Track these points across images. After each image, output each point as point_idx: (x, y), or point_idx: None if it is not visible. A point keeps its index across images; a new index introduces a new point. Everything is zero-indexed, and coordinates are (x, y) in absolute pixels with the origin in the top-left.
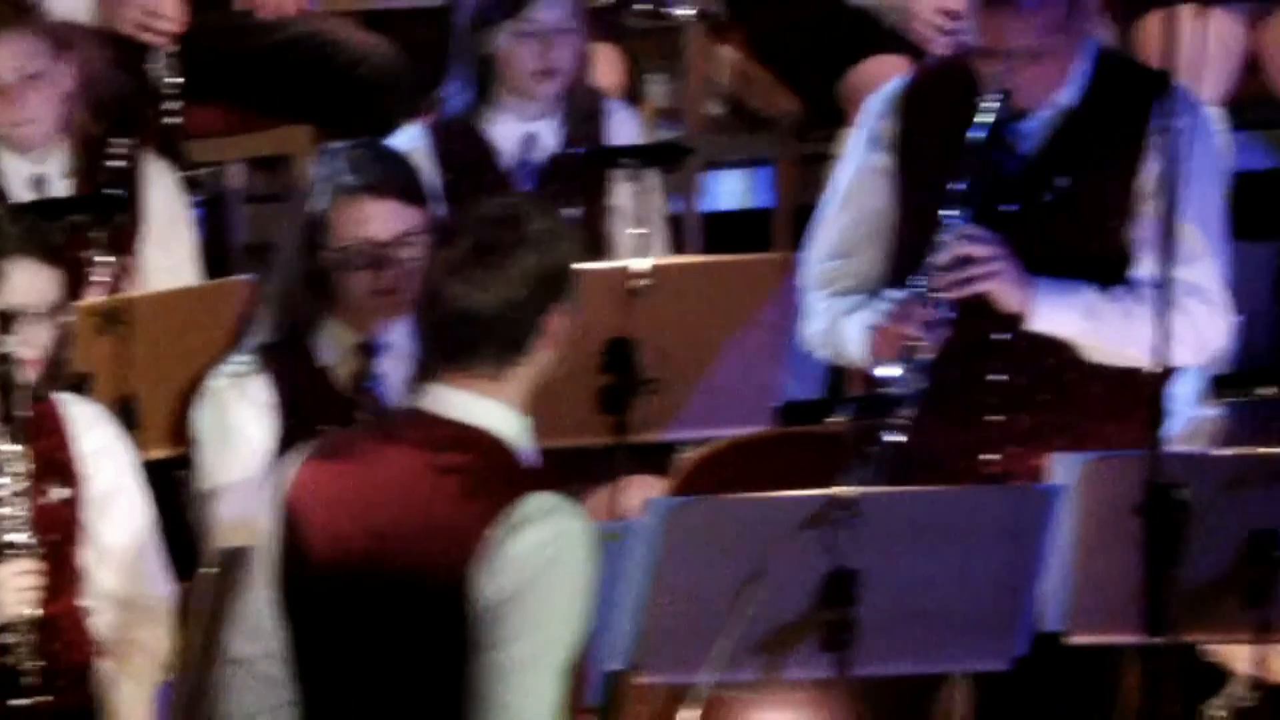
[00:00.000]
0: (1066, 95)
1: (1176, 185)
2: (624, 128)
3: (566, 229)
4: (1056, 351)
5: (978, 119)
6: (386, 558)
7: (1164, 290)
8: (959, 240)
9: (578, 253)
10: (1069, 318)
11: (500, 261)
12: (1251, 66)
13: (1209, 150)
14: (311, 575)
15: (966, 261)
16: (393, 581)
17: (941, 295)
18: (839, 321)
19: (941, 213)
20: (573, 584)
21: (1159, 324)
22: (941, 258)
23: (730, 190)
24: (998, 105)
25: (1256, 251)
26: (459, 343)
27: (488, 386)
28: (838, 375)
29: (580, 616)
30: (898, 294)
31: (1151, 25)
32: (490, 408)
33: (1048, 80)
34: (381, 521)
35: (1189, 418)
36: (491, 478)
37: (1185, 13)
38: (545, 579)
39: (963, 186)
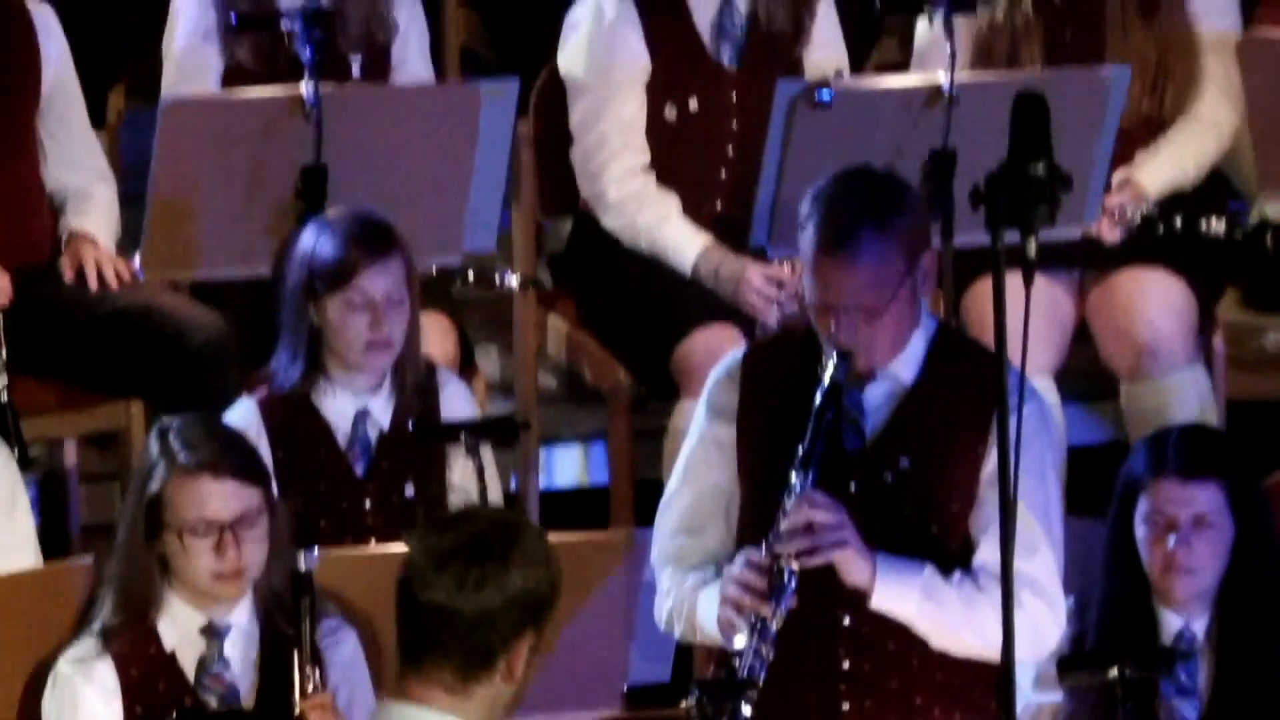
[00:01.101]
0: (906, 371)
1: (1015, 475)
2: (457, 401)
3: (558, 563)
4: (899, 636)
5: (821, 380)
6: None
7: (1006, 582)
8: (803, 506)
9: (559, 589)
10: (909, 596)
11: (493, 570)
12: (1080, 336)
13: (1048, 438)
14: None
15: (810, 529)
16: None
17: (787, 564)
18: (690, 597)
19: (791, 478)
20: None
21: (998, 616)
22: (786, 524)
23: (567, 465)
24: (839, 365)
25: (1087, 528)
26: (428, 641)
27: (448, 703)
28: (686, 656)
29: None
30: (743, 562)
31: (978, 294)
32: None
33: (886, 343)
34: None
35: (1027, 704)
36: None
37: (1012, 282)
38: None
39: (805, 451)
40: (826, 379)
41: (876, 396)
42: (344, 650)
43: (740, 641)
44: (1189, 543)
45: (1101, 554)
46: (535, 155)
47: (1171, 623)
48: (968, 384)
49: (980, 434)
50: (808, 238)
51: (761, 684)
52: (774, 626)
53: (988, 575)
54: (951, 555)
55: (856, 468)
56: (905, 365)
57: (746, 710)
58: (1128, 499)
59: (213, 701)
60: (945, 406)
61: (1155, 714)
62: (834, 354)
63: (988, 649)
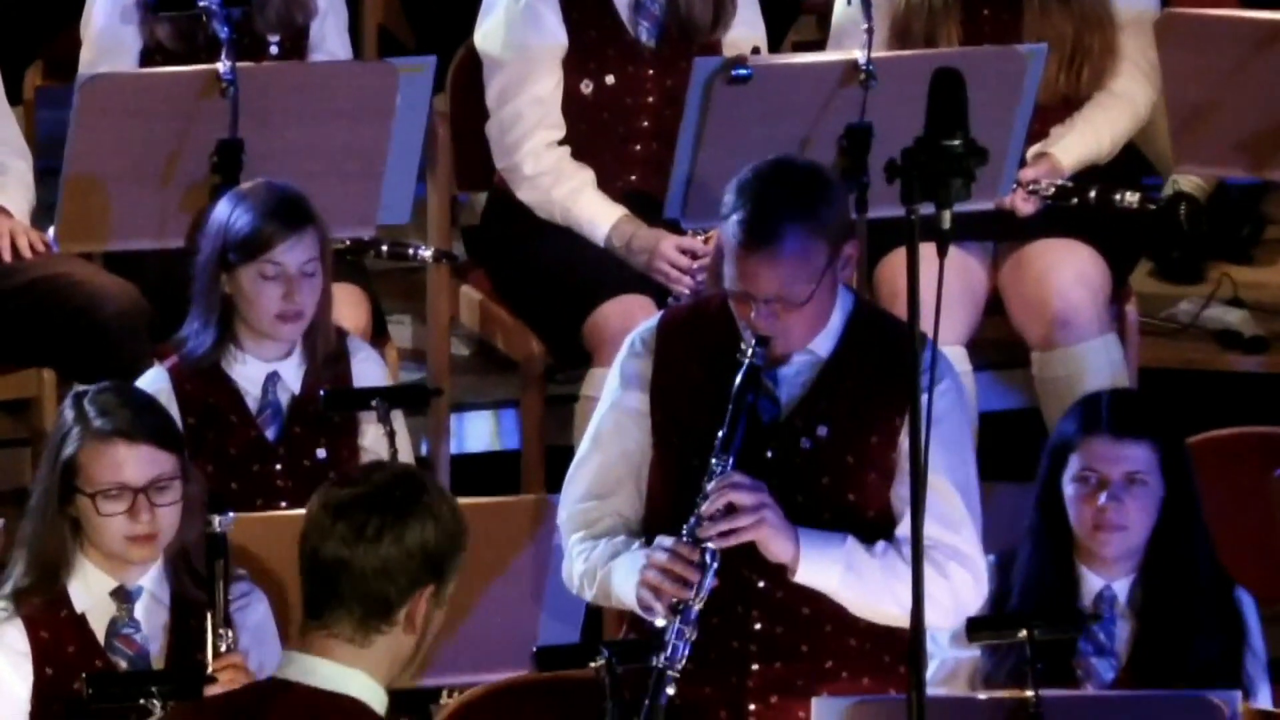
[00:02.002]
0: (823, 345)
1: (933, 447)
2: (368, 368)
3: (462, 518)
4: (812, 601)
5: (741, 365)
6: None
7: (919, 551)
8: (724, 489)
9: (461, 544)
10: (832, 569)
11: (390, 521)
12: (992, 307)
13: (964, 413)
14: None
15: (731, 510)
16: None
17: (708, 545)
18: (604, 567)
19: (711, 462)
20: None
21: (914, 584)
22: (707, 507)
23: (478, 432)
24: (757, 351)
25: (1000, 491)
26: (329, 593)
27: (351, 654)
28: (595, 618)
29: None
30: (665, 544)
31: (892, 265)
32: (354, 678)
33: (806, 329)
34: None
35: (944, 660)
36: None
37: (926, 252)
38: None
39: (725, 435)
40: (745, 365)
41: (793, 367)
42: (254, 613)
43: (661, 622)
44: (1120, 499)
45: (1029, 515)
46: (451, 130)
47: (1093, 583)
48: (884, 358)
49: (897, 407)
50: (730, 230)
51: (683, 664)
52: (695, 608)
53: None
54: (868, 524)
55: (773, 437)
56: (823, 339)
57: (670, 690)
58: (1057, 460)
59: (123, 664)
60: (862, 379)
61: (1072, 672)
62: (753, 340)
63: (908, 617)
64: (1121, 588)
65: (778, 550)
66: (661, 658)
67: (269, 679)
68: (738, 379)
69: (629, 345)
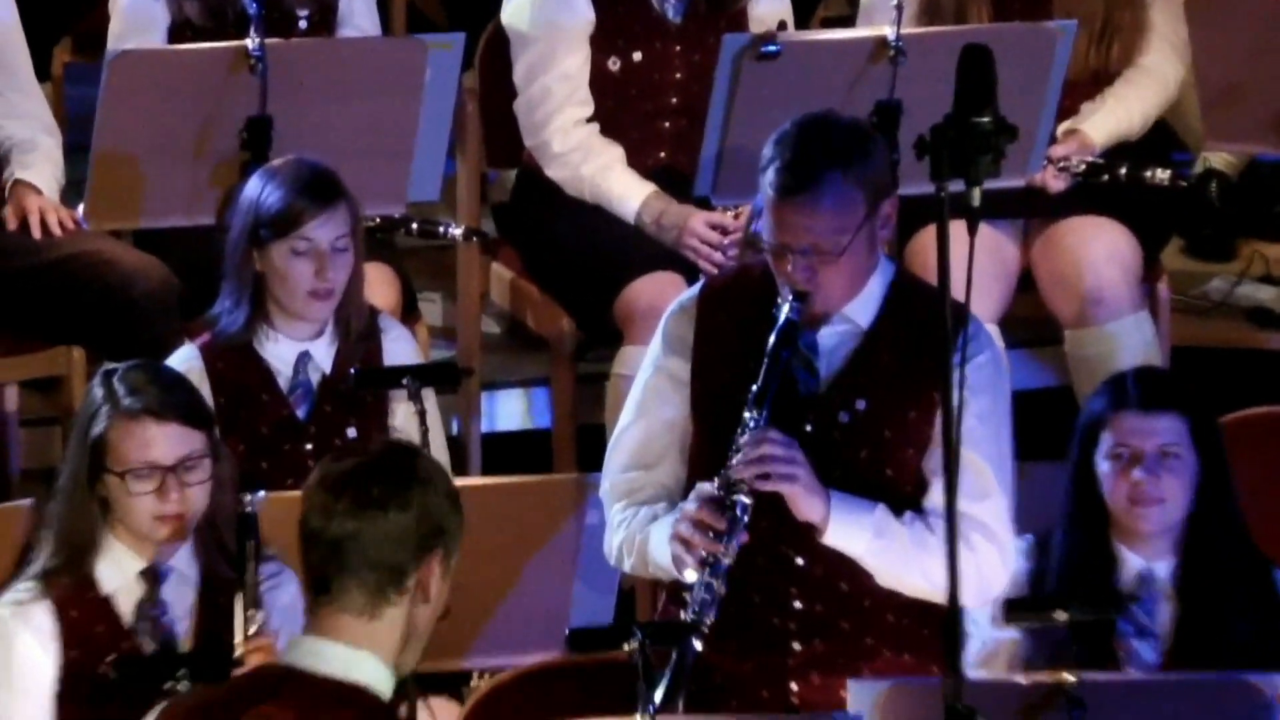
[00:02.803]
0: (863, 315)
1: (968, 420)
2: (399, 347)
3: (454, 489)
4: (851, 578)
5: (777, 319)
6: None
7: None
8: (758, 440)
9: (460, 510)
10: (861, 534)
11: (391, 488)
12: (1023, 284)
13: (1002, 386)
14: None
15: (764, 460)
16: None
17: (738, 496)
18: (642, 531)
19: (745, 415)
20: None
21: (950, 561)
22: (739, 457)
23: (509, 410)
24: (794, 306)
25: (1035, 471)
26: (337, 568)
27: (361, 632)
28: (629, 600)
29: None
30: (698, 492)
31: (922, 242)
32: (364, 661)
33: (843, 286)
34: None
35: (984, 640)
36: None
37: (956, 230)
38: None
39: (759, 388)
40: (782, 320)
41: (832, 339)
42: (285, 594)
43: (691, 576)
44: (1155, 473)
45: (1062, 497)
46: (480, 108)
47: (1133, 563)
48: (924, 330)
49: (936, 379)
50: (768, 180)
51: (712, 620)
52: (725, 562)
53: (938, 516)
54: (905, 498)
55: (811, 409)
56: (862, 308)
57: (697, 645)
58: (1088, 439)
59: (149, 645)
60: (902, 351)
61: (1114, 654)
62: (790, 295)
63: (935, 590)
64: (1162, 568)
65: (808, 509)
66: (689, 613)
67: (273, 665)
68: (773, 335)
69: (671, 311)
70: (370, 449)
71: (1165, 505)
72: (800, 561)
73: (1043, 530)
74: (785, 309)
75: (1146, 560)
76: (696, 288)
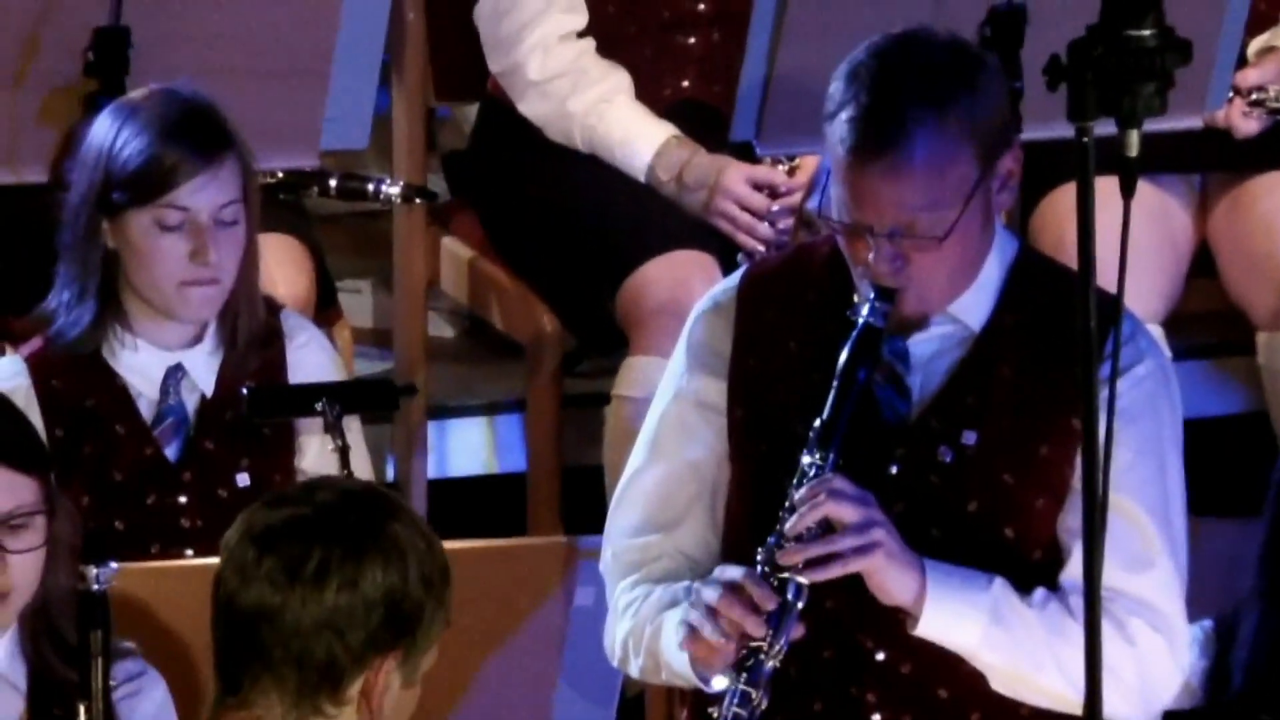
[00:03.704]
0: (973, 312)
1: (1122, 456)
2: (311, 357)
3: (442, 555)
4: (953, 680)
5: (852, 329)
6: None
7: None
8: (820, 499)
9: (444, 599)
10: (971, 621)
11: (341, 556)
12: (1199, 267)
13: (1169, 411)
14: None
15: (829, 529)
16: None
17: (792, 575)
18: (656, 621)
19: (804, 460)
20: None
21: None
22: (794, 523)
23: (466, 446)
24: (880, 312)
25: (1216, 530)
26: (252, 658)
27: None
28: (636, 703)
29: None
30: (729, 572)
31: (1054, 208)
32: None
33: (948, 279)
34: None
35: None
36: None
37: (1105, 190)
38: None
39: (825, 422)
40: (859, 325)
41: (930, 345)
42: (147, 702)
43: (720, 684)
44: None
45: (1254, 567)
46: (426, 17)
47: None
48: (1060, 332)
49: (1076, 401)
50: (837, 133)
51: None
52: (769, 665)
53: (1080, 595)
54: (1033, 567)
55: (900, 443)
56: (973, 304)
57: None
58: None
59: None
60: (1028, 363)
61: None
62: (871, 293)
63: (1078, 699)
64: None
65: (895, 588)
66: None
67: None
68: (847, 347)
69: (699, 314)
70: (322, 493)
71: None
72: (881, 657)
73: (1225, 613)
74: (864, 312)
75: None
76: (735, 276)
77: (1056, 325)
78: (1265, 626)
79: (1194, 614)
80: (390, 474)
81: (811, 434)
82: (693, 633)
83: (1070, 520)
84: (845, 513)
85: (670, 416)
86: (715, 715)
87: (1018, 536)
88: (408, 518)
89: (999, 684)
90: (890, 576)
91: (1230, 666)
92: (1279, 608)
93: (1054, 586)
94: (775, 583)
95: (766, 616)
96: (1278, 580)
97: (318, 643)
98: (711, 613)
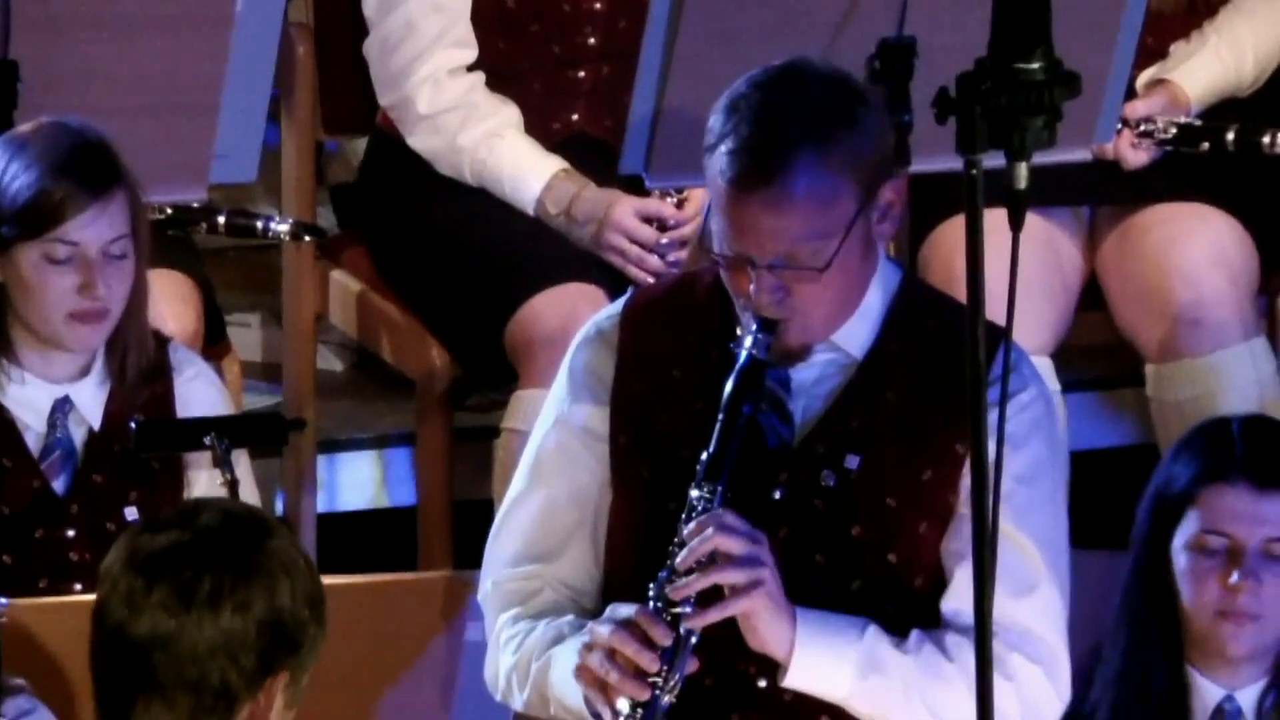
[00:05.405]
0: (856, 340)
1: (1005, 482)
2: (200, 391)
3: (317, 579)
4: (834, 705)
5: (735, 361)
6: None
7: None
8: (709, 532)
9: (323, 617)
10: (840, 673)
11: (230, 580)
12: (1088, 300)
13: (1054, 437)
14: None
15: (714, 561)
16: None
17: (681, 611)
18: (544, 657)
19: (692, 494)
20: None
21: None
22: (684, 557)
23: (356, 481)
24: (762, 344)
25: (1093, 562)
26: (140, 686)
27: None
28: None
29: None
30: (622, 610)
31: (943, 241)
32: None
33: (830, 309)
34: None
35: None
36: None
37: (994, 222)
38: None
39: (712, 456)
40: (742, 358)
41: (813, 370)
42: None
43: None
44: (1257, 577)
45: (1120, 598)
46: (316, 50)
47: (1209, 693)
48: (943, 358)
49: (960, 426)
50: (719, 164)
51: None
52: (665, 700)
53: (961, 633)
54: (917, 595)
55: (784, 467)
56: (855, 333)
57: None
58: (1166, 517)
59: None
60: (911, 390)
61: None
62: (753, 324)
63: None
64: (1247, 698)
65: (768, 635)
66: None
67: None
68: (731, 381)
69: (582, 340)
70: (204, 517)
71: (1262, 623)
72: (763, 684)
73: (1092, 643)
74: (747, 344)
75: (1228, 688)
76: (619, 304)
77: (940, 352)
78: (1130, 654)
79: (1072, 640)
80: (280, 508)
81: (699, 468)
82: (586, 670)
83: (953, 544)
84: (734, 546)
85: (551, 443)
86: None
87: (901, 561)
88: (286, 537)
89: None
90: (764, 621)
91: (1094, 701)
92: (1142, 634)
93: (936, 611)
94: (669, 618)
95: (661, 652)
96: (1141, 606)
97: (212, 667)
98: (607, 650)
